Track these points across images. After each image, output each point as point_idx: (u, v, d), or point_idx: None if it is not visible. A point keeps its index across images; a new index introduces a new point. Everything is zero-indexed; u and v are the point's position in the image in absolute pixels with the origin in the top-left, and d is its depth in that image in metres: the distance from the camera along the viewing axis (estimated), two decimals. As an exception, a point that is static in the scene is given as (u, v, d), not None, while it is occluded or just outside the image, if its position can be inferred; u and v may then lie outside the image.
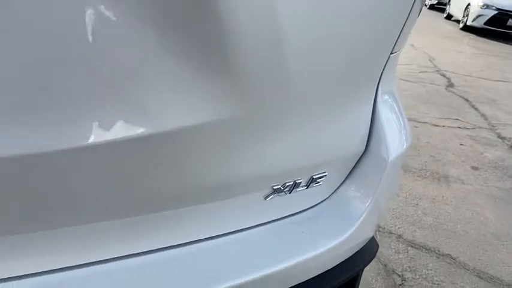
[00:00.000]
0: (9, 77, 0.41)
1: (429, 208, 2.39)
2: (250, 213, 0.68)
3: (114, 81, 0.46)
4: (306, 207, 0.75)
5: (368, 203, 0.73)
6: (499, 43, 9.19)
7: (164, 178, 0.56)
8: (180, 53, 0.47)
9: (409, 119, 3.72)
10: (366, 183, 0.76)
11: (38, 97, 0.43)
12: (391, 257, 1.95)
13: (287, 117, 0.60)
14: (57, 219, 0.53)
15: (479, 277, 1.88)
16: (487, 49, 8.19)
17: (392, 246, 2.03)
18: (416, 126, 3.65)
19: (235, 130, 0.56)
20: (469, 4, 10.45)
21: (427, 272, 1.88)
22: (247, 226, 0.69)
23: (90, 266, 0.58)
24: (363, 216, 0.73)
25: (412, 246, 2.04)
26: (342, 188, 0.78)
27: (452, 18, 12.34)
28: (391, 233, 2.13)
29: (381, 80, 0.69)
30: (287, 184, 0.67)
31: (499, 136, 3.62)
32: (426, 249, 2.04)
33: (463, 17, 10.66)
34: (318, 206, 0.76)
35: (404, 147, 0.76)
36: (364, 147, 0.74)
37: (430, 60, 6.49)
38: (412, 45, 7.54)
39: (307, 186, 0.70)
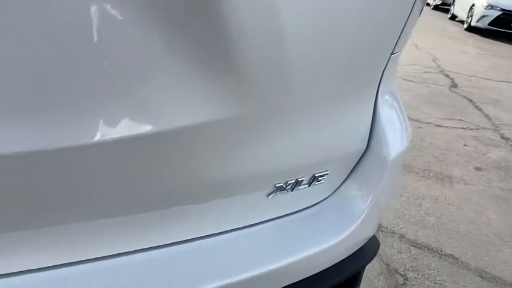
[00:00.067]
0: (18, 76, 0.42)
1: (432, 208, 2.39)
2: (253, 211, 0.70)
3: (121, 80, 0.47)
4: (308, 205, 0.76)
5: (369, 201, 0.75)
6: (503, 44, 9.16)
7: (169, 176, 0.57)
8: (183, 53, 0.48)
9: (413, 120, 3.73)
10: (367, 182, 0.77)
11: (46, 96, 0.44)
12: (394, 257, 1.95)
13: (289, 116, 0.61)
14: (64, 216, 0.54)
15: (482, 277, 1.88)
16: (491, 50, 8.17)
17: (394, 246, 2.03)
18: (419, 127, 3.65)
19: (238, 129, 0.57)
20: (473, 5, 10.41)
21: (429, 271, 1.89)
22: (250, 223, 0.70)
23: (95, 261, 0.59)
24: (364, 214, 0.74)
25: (414, 246, 2.05)
26: (343, 186, 0.79)
27: (457, 19, 12.30)
28: (393, 232, 2.14)
29: (382, 80, 0.70)
30: (289, 182, 0.68)
31: (503, 137, 3.62)
32: (429, 249, 2.04)
33: (467, 17, 10.63)
34: (320, 204, 0.77)
35: (405, 146, 0.77)
36: (365, 146, 0.76)
37: (433, 60, 6.48)
38: (416, 46, 7.53)
39: (309, 184, 0.71)
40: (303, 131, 0.64)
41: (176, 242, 0.64)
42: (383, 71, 0.69)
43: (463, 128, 3.72)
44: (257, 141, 0.60)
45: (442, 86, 5.10)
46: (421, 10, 0.72)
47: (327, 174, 0.72)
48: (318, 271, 0.72)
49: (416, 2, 0.64)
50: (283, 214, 0.74)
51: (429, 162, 2.98)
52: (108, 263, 0.60)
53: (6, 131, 0.43)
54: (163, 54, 0.48)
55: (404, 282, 1.81)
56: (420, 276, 1.85)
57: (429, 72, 5.73)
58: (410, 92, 4.67)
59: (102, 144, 0.48)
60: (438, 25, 11.40)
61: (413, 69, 5.76)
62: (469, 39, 9.30)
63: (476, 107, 4.41)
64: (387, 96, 0.75)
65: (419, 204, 2.42)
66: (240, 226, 0.69)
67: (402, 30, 0.65)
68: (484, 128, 3.79)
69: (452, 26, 11.35)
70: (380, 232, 2.13)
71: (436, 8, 15.98)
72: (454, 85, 5.18)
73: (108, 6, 0.43)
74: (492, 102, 4.62)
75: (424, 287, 1.80)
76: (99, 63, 0.45)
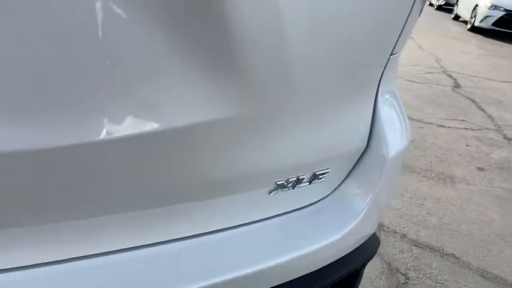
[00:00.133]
0: (25, 76, 0.43)
1: (434, 208, 2.40)
2: (255, 208, 0.71)
3: (126, 80, 0.48)
4: (309, 203, 0.77)
5: (369, 199, 0.76)
6: (506, 44, 9.14)
7: (173, 174, 0.58)
8: (187, 53, 0.49)
9: (415, 120, 3.74)
10: (366, 180, 0.78)
11: (51, 95, 0.45)
12: (395, 256, 1.96)
13: (290, 115, 0.62)
14: (72, 211, 0.55)
15: (483, 276, 1.89)
16: (495, 50, 8.15)
17: (396, 246, 2.04)
18: (422, 127, 3.66)
19: (241, 128, 0.58)
20: (476, 5, 10.39)
21: (430, 271, 1.89)
22: (253, 220, 0.71)
23: (101, 256, 0.61)
24: (364, 212, 0.75)
25: (416, 246, 2.06)
26: (343, 184, 0.80)
27: (460, 19, 12.28)
28: (395, 232, 2.15)
29: (382, 80, 0.71)
30: (290, 180, 0.69)
31: (505, 137, 3.62)
32: (430, 248, 2.05)
33: (471, 17, 10.60)
34: (321, 201, 0.79)
35: (405, 145, 0.78)
36: (365, 145, 0.77)
37: (436, 61, 6.48)
38: (419, 46, 7.53)
39: (310, 182, 0.72)
40: (303, 130, 0.65)
41: (181, 238, 0.65)
42: (383, 71, 0.70)
43: (466, 129, 3.72)
44: (259, 139, 0.61)
45: (445, 86, 5.10)
46: (421, 11, 0.73)
47: (328, 172, 0.73)
48: (319, 267, 0.73)
49: (415, 4, 0.65)
50: (284, 211, 0.75)
51: (431, 162, 2.98)
52: (114, 258, 0.61)
53: (16, 130, 0.45)
54: (168, 53, 0.48)
55: (406, 282, 1.82)
56: (421, 276, 1.86)
57: (432, 72, 5.73)
58: (413, 93, 4.68)
59: (107, 142, 0.49)
60: (441, 25, 11.39)
61: (416, 69, 5.76)
62: (472, 39, 9.29)
63: (479, 107, 4.41)
64: (387, 96, 0.77)
65: (421, 204, 2.43)
66: (242, 223, 0.70)
67: (401, 31, 0.66)
68: (486, 128, 3.79)
69: (456, 26, 11.33)
70: (382, 232, 2.14)
71: (439, 8, 15.94)
72: (456, 85, 5.18)
73: (111, 6, 0.44)
74: (495, 102, 4.62)
75: (425, 286, 1.80)
76: (103, 63, 0.46)
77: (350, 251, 0.79)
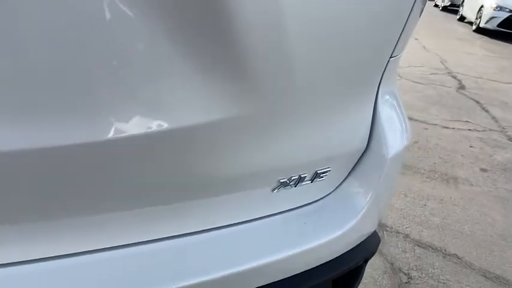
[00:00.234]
0: (32, 76, 0.45)
1: (437, 209, 2.41)
2: (259, 205, 0.73)
3: (131, 80, 0.50)
4: (311, 201, 0.80)
5: (369, 198, 0.78)
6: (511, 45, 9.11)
7: (180, 173, 0.60)
8: (193, 54, 0.51)
9: (419, 121, 3.74)
10: (367, 179, 0.80)
11: (60, 94, 0.47)
12: (398, 256, 1.98)
13: (293, 116, 0.64)
14: (82, 208, 0.58)
15: (485, 277, 1.90)
16: (500, 51, 8.12)
17: (399, 246, 2.06)
18: (426, 128, 3.66)
19: (245, 127, 0.60)
20: (482, 6, 10.35)
21: (433, 270, 1.91)
22: (256, 217, 0.74)
23: (109, 250, 0.63)
24: (364, 210, 0.77)
25: (418, 246, 2.07)
26: (344, 183, 0.83)
27: (465, 20, 12.24)
28: (398, 232, 2.16)
29: (382, 81, 0.73)
30: (293, 178, 0.71)
31: (509, 138, 3.61)
32: (433, 248, 2.06)
33: (476, 19, 10.56)
34: (323, 200, 0.81)
35: (404, 145, 0.80)
36: (366, 145, 0.79)
37: (441, 62, 6.47)
38: (424, 47, 7.52)
39: (312, 180, 0.74)
40: (305, 130, 0.67)
41: (187, 234, 0.68)
42: (382, 73, 0.72)
43: (470, 130, 3.72)
44: (263, 139, 0.64)
45: (450, 87, 5.10)
46: (420, 13, 0.75)
47: (329, 171, 0.75)
48: (320, 263, 0.75)
49: (414, 9, 0.67)
50: (287, 209, 0.77)
51: (435, 163, 2.99)
52: (121, 253, 0.64)
53: (21, 130, 0.47)
54: (174, 55, 0.50)
55: (408, 281, 1.83)
56: (424, 275, 1.87)
57: (436, 73, 5.72)
58: (417, 94, 4.68)
59: (112, 142, 0.51)
60: (446, 26, 11.36)
61: (420, 70, 5.76)
62: (477, 40, 9.25)
63: (483, 108, 4.40)
64: (387, 97, 0.79)
65: (424, 205, 2.44)
66: (246, 219, 0.72)
67: (400, 35, 0.68)
68: (490, 129, 3.79)
69: (461, 28, 11.29)
70: (385, 232, 2.15)
71: (444, 9, 15.89)
72: (461, 87, 5.18)
73: (114, 6, 0.45)
74: (499, 104, 4.61)
75: (427, 285, 1.82)
76: (106, 63, 0.47)
77: (351, 248, 0.81)
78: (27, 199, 0.53)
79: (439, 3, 16.64)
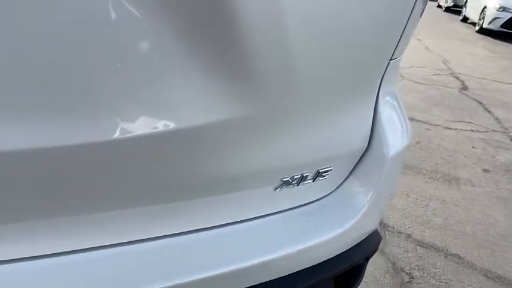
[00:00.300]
0: (38, 76, 0.46)
1: (439, 209, 2.42)
2: (262, 204, 0.75)
3: (136, 80, 0.51)
4: (313, 200, 0.81)
5: (370, 197, 0.80)
6: (515, 46, 9.09)
7: (185, 172, 0.62)
8: (198, 54, 0.52)
9: (422, 122, 3.75)
10: (368, 178, 0.82)
11: (64, 95, 0.48)
12: (400, 256, 1.99)
13: (295, 116, 0.66)
14: (89, 206, 0.60)
15: (487, 276, 1.91)
16: (503, 52, 8.10)
17: (401, 245, 2.07)
18: (428, 129, 3.67)
19: (250, 128, 0.62)
20: (485, 7, 10.33)
21: (435, 270, 1.92)
22: (260, 215, 0.75)
23: (117, 246, 0.65)
24: (365, 208, 0.79)
25: (420, 246, 2.08)
26: (346, 183, 0.84)
27: (468, 21, 12.22)
28: (400, 232, 2.17)
29: (382, 83, 0.75)
30: (295, 177, 0.73)
31: (512, 139, 3.62)
32: (435, 248, 2.07)
33: (479, 19, 10.55)
34: (324, 198, 0.83)
35: (405, 144, 0.81)
36: (367, 145, 0.81)
37: (444, 63, 6.47)
38: (427, 48, 7.52)
39: (314, 179, 0.76)
40: (307, 130, 0.69)
41: (192, 231, 0.69)
42: (383, 75, 0.74)
43: (472, 131, 3.73)
44: (266, 139, 0.65)
45: (452, 88, 5.10)
46: (421, 14, 0.76)
47: (331, 170, 0.77)
48: (322, 260, 0.77)
49: (412, 14, 0.68)
50: (289, 207, 0.79)
51: (437, 163, 3.00)
52: (128, 249, 0.65)
53: (34, 129, 0.48)
54: (178, 54, 0.51)
55: (410, 281, 1.84)
56: (426, 275, 1.88)
57: (439, 74, 5.72)
58: (420, 94, 4.68)
59: (119, 142, 0.53)
60: (449, 27, 11.34)
61: (423, 71, 5.76)
62: (480, 41, 9.24)
63: (486, 109, 4.40)
64: (388, 98, 0.80)
65: (426, 205, 2.45)
66: (249, 217, 0.74)
67: (400, 39, 0.70)
68: (493, 130, 3.79)
69: (464, 28, 11.27)
70: (387, 232, 2.16)
71: (447, 10, 15.86)
72: (464, 87, 5.18)
73: (121, 6, 0.45)
74: (502, 104, 4.61)
75: (429, 285, 1.83)
76: (111, 64, 0.48)
77: (352, 246, 0.82)
78: (41, 197, 0.55)
79: (443, 3, 16.61)
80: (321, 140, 0.72)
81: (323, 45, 0.60)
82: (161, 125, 0.54)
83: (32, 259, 0.60)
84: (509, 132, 3.77)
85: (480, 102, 4.61)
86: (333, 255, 0.78)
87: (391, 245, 2.06)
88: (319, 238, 0.74)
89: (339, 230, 0.76)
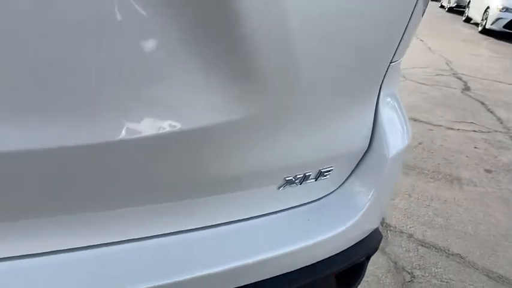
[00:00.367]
0: (46, 76, 0.47)
1: (441, 209, 2.43)
2: (266, 202, 0.77)
3: (143, 81, 0.52)
4: (315, 199, 0.83)
5: (371, 196, 0.81)
6: (518, 46, 9.08)
7: (192, 172, 0.64)
8: (204, 56, 0.53)
9: (424, 122, 3.76)
10: (368, 178, 0.83)
11: (69, 96, 0.49)
12: (402, 255, 2.00)
13: (298, 117, 0.68)
14: (98, 204, 0.62)
15: (488, 276, 1.92)
16: (505, 52, 8.09)
17: (403, 245, 2.08)
18: (431, 129, 3.68)
19: (255, 128, 0.64)
20: (488, 7, 10.32)
21: (436, 270, 1.93)
22: (263, 213, 0.77)
23: (125, 243, 0.67)
24: (366, 207, 0.81)
25: (422, 245, 2.09)
26: (347, 182, 0.86)
27: (471, 22, 12.20)
28: (402, 232, 2.19)
29: (383, 85, 0.77)
30: (298, 176, 0.75)
31: (514, 140, 3.63)
32: (436, 248, 2.08)
33: (482, 20, 10.54)
34: (326, 197, 0.84)
35: (405, 145, 0.83)
36: (368, 145, 0.82)
37: (446, 63, 6.47)
38: (429, 49, 7.52)
39: (316, 179, 0.78)
40: (309, 130, 0.71)
41: (197, 228, 0.71)
42: (383, 77, 0.75)
43: (474, 131, 3.73)
44: (270, 139, 0.67)
45: (455, 88, 5.11)
46: (422, 14, 0.77)
47: (332, 170, 0.79)
48: (324, 258, 0.79)
49: (411, 20, 0.70)
50: (292, 206, 0.81)
51: (439, 164, 3.01)
52: (136, 245, 0.67)
53: (43, 129, 0.49)
54: (183, 56, 0.52)
55: (411, 280, 1.86)
56: (427, 274, 1.90)
57: (442, 75, 5.72)
58: (422, 95, 4.69)
59: (126, 142, 0.54)
60: (452, 28, 11.33)
61: (425, 72, 5.77)
62: (483, 41, 9.23)
63: (489, 110, 4.40)
64: (389, 99, 0.82)
65: (428, 205, 2.46)
66: (253, 215, 0.76)
67: (399, 43, 0.72)
68: (495, 131, 3.80)
69: (467, 29, 11.26)
70: (388, 231, 2.18)
71: (450, 10, 15.83)
72: (466, 88, 5.18)
73: (126, 5, 0.46)
74: (504, 105, 4.61)
75: (430, 284, 1.84)
76: (119, 63, 0.49)
77: (353, 244, 0.84)
78: (51, 196, 0.57)
79: (445, 4, 16.59)
80: (322, 140, 0.73)
81: (326, 51, 0.62)
82: (167, 125, 0.55)
83: (37, 256, 0.61)
84: (512, 133, 3.78)
85: (482, 103, 4.61)
86: (335, 253, 0.80)
87: (392, 245, 2.07)
88: (321, 236, 0.75)
89: (340, 229, 0.78)
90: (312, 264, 0.77)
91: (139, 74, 0.51)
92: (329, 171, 0.78)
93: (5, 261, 0.60)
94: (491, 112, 4.33)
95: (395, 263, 1.95)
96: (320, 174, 0.77)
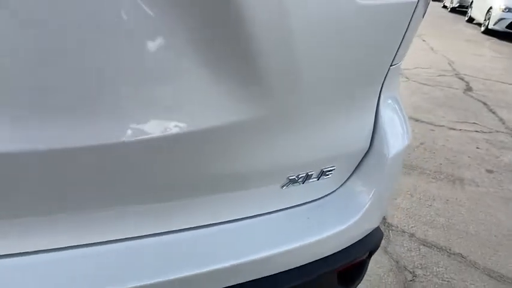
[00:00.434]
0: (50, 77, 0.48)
1: (442, 209, 2.44)
2: (270, 201, 0.79)
3: (148, 82, 0.53)
4: (317, 197, 0.86)
5: (371, 195, 0.84)
6: (520, 47, 9.05)
7: (200, 172, 0.66)
8: (211, 57, 0.54)
9: (426, 123, 3.76)
10: (369, 178, 0.86)
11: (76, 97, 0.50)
12: (403, 255, 2.02)
13: (302, 119, 0.70)
14: (106, 202, 0.64)
15: (489, 276, 1.93)
16: (508, 53, 8.07)
17: (404, 245, 2.10)
18: (432, 130, 3.68)
19: (262, 129, 0.66)
20: (491, 7, 10.29)
21: (437, 269, 1.94)
22: (267, 211, 0.80)
23: (136, 239, 0.69)
24: (367, 206, 0.83)
25: (424, 245, 2.11)
26: (348, 181, 0.88)
27: (474, 22, 12.18)
28: (404, 231, 2.20)
29: (383, 87, 0.79)
30: (301, 175, 0.77)
31: (516, 140, 3.63)
32: (438, 248, 2.10)
33: (485, 20, 10.51)
34: (328, 196, 0.87)
35: (405, 145, 0.85)
36: (368, 146, 0.85)
37: (449, 63, 6.47)
38: (432, 49, 7.51)
39: (318, 178, 0.80)
40: (313, 131, 0.73)
41: (204, 226, 0.74)
42: (384, 80, 0.78)
43: (476, 131, 3.74)
44: (276, 140, 0.70)
45: (457, 89, 5.11)
46: (420, 21, 0.79)
47: (334, 169, 0.81)
48: (326, 255, 0.81)
49: (410, 26, 0.72)
50: (295, 204, 0.83)
51: (441, 164, 3.02)
52: (144, 242, 0.70)
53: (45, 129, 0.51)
54: (191, 56, 0.53)
55: (413, 279, 1.87)
56: (429, 274, 1.91)
57: (444, 75, 5.72)
58: (424, 95, 4.70)
59: (135, 143, 0.56)
60: (455, 28, 11.31)
61: (428, 72, 5.77)
62: (485, 42, 9.21)
63: (491, 110, 4.41)
64: (389, 101, 0.84)
65: (430, 205, 2.47)
66: (258, 213, 0.78)
67: (398, 47, 0.74)
68: (497, 131, 3.80)
69: (469, 29, 11.24)
70: (390, 231, 2.19)
71: (453, 10, 15.79)
72: (468, 88, 5.18)
73: (134, 5, 0.47)
74: (507, 105, 4.61)
75: (432, 283, 1.85)
76: (127, 65, 0.50)
77: (355, 242, 0.86)
78: (51, 194, 0.59)
79: (448, 4, 16.56)
80: (325, 140, 0.76)
81: (328, 57, 0.65)
82: (175, 127, 0.57)
83: (45, 252, 0.63)
84: (514, 133, 3.78)
85: (485, 103, 4.61)
86: (336, 251, 0.82)
87: (394, 244, 2.09)
88: (323, 234, 0.78)
89: (342, 227, 0.80)
90: (315, 261, 0.79)
91: (147, 74, 0.53)
92: (331, 170, 0.80)
93: (13, 257, 0.61)
94: (494, 112, 4.33)
95: (397, 262, 1.97)
96: (322, 173, 0.79)
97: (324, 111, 0.72)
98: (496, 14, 9.92)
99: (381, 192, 0.85)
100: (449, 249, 2.09)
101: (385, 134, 0.82)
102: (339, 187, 0.88)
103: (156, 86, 0.54)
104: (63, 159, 0.54)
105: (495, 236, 2.24)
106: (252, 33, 0.54)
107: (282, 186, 0.77)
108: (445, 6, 17.32)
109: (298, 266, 0.78)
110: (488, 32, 10.22)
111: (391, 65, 0.76)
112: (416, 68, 5.89)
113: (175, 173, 0.65)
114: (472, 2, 12.37)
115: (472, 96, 4.85)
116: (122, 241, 0.68)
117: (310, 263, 0.79)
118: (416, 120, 3.86)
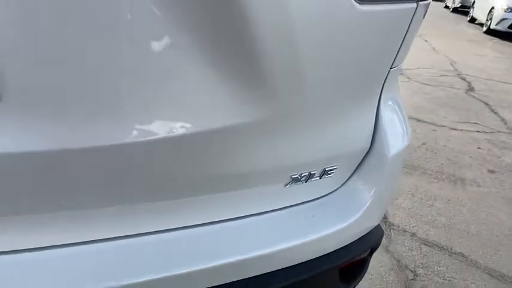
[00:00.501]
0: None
1: (444, 209, 2.46)
2: (273, 199, 0.81)
3: (159, 83, 0.54)
4: (319, 196, 0.88)
5: (372, 193, 0.86)
6: (523, 47, 9.04)
7: (205, 171, 0.68)
8: (214, 58, 0.56)
9: (427, 123, 3.77)
10: (370, 177, 0.88)
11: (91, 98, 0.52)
12: (404, 254, 2.03)
13: (306, 120, 0.72)
14: (113, 200, 0.66)
15: (490, 275, 1.94)
16: (510, 53, 8.05)
17: (406, 244, 2.11)
18: (434, 130, 3.69)
19: (265, 130, 0.68)
20: (493, 7, 10.28)
21: (438, 268, 1.96)
22: (271, 209, 0.82)
23: (140, 236, 0.71)
24: (367, 204, 0.85)
25: (425, 244, 2.12)
26: (349, 181, 0.90)
27: (476, 22, 12.17)
28: (405, 231, 2.22)
29: (384, 89, 0.81)
30: (303, 174, 0.79)
31: (518, 140, 3.64)
32: (439, 247, 2.11)
33: (487, 20, 10.50)
34: (330, 195, 0.88)
35: (405, 145, 0.87)
36: (369, 146, 0.86)
37: (451, 64, 6.47)
38: (434, 49, 7.52)
39: (321, 177, 0.82)
40: (315, 132, 0.75)
41: (208, 223, 0.76)
42: (384, 82, 0.80)
43: (478, 132, 3.74)
44: (279, 140, 0.71)
45: (459, 89, 5.11)
46: (420, 24, 0.81)
47: (336, 169, 0.83)
48: (328, 252, 0.83)
49: (410, 30, 0.74)
50: (297, 202, 0.85)
51: (442, 164, 3.03)
52: (149, 239, 0.71)
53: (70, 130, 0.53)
54: (195, 57, 0.54)
55: (414, 278, 1.88)
56: (430, 273, 1.92)
57: (446, 75, 5.73)
58: (426, 96, 4.70)
59: (143, 144, 0.57)
60: (457, 28, 11.31)
61: (429, 72, 5.77)
62: (487, 42, 9.20)
63: (492, 110, 4.41)
64: (389, 102, 0.86)
65: (431, 205, 2.49)
66: (262, 211, 0.80)
67: (398, 50, 0.76)
68: (499, 131, 3.81)
69: (471, 29, 11.23)
70: (392, 230, 2.21)
71: (455, 10, 15.78)
72: (470, 88, 5.19)
73: (138, 4, 0.48)
74: (508, 105, 4.61)
75: (433, 282, 1.87)
76: (132, 65, 0.51)
77: (356, 239, 0.88)
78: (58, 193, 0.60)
79: (450, 4, 16.54)
80: (327, 140, 0.78)
81: (330, 61, 0.66)
82: (180, 127, 0.59)
83: (46, 249, 0.65)
84: (515, 133, 3.79)
85: (486, 104, 4.62)
86: (338, 248, 0.84)
87: (396, 243, 2.10)
88: (325, 231, 0.79)
89: (343, 225, 0.82)
90: (317, 257, 0.81)
91: (153, 75, 0.54)
92: (333, 170, 0.82)
93: (13, 253, 0.63)
94: (495, 113, 4.34)
95: (399, 261, 1.98)
96: (324, 172, 0.81)
97: (326, 112, 0.74)
98: (498, 14, 9.90)
99: (381, 191, 0.87)
100: (451, 249, 2.10)
101: (385, 134, 0.84)
102: (340, 186, 0.89)
103: (161, 87, 0.55)
104: (74, 158, 0.56)
105: (496, 235, 2.25)
106: (256, 34, 0.55)
107: (286, 185, 0.79)
108: (447, 7, 17.30)
109: (301, 262, 0.79)
110: (490, 32, 10.21)
111: (391, 68, 0.78)
112: (418, 68, 5.89)
113: (180, 173, 0.67)
114: (474, 2, 12.36)
115: (474, 97, 4.85)
116: (124, 238, 0.70)
117: (313, 259, 0.81)
118: (418, 121, 3.87)
